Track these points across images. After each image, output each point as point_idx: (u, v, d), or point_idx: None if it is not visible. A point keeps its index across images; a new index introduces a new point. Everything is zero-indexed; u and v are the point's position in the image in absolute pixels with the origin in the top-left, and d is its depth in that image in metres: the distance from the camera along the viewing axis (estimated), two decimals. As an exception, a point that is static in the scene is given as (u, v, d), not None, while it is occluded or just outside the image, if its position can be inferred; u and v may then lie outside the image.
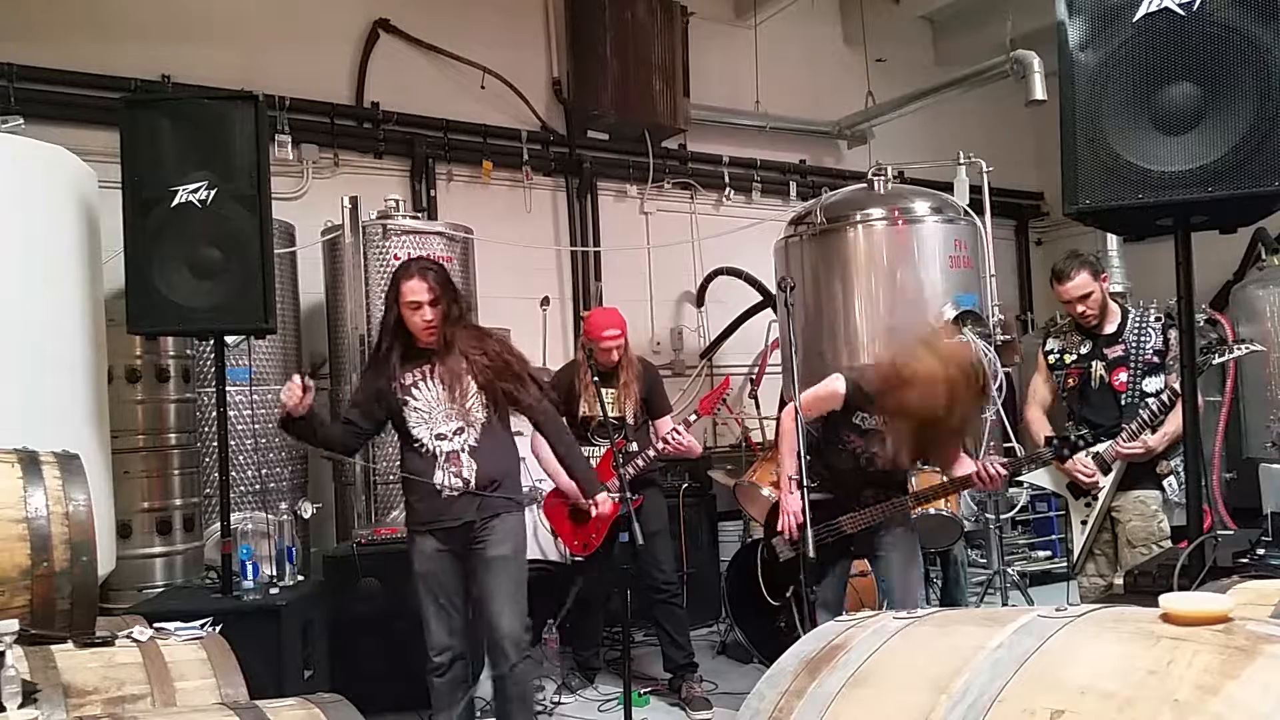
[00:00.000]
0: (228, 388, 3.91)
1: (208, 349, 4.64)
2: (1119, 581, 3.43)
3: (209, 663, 2.39)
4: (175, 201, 3.60)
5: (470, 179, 6.53)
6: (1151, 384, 3.89)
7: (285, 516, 4.27)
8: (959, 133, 7.35)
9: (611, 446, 3.91)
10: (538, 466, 4.33)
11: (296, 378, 3.28)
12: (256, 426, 4.79)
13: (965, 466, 3.51)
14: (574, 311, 6.73)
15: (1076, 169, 2.57)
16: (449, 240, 5.26)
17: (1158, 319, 3.98)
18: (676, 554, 4.96)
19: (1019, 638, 1.28)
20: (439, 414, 3.35)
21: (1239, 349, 3.63)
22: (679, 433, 4.32)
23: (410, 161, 6.31)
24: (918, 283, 5.00)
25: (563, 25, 6.90)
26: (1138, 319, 3.99)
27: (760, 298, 6.95)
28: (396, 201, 5.23)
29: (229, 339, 4.00)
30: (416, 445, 3.37)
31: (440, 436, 3.34)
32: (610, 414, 4.25)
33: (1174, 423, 3.71)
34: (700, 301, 7.34)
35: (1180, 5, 2.42)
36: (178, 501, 4.64)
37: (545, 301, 6.20)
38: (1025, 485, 4.47)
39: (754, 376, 7.22)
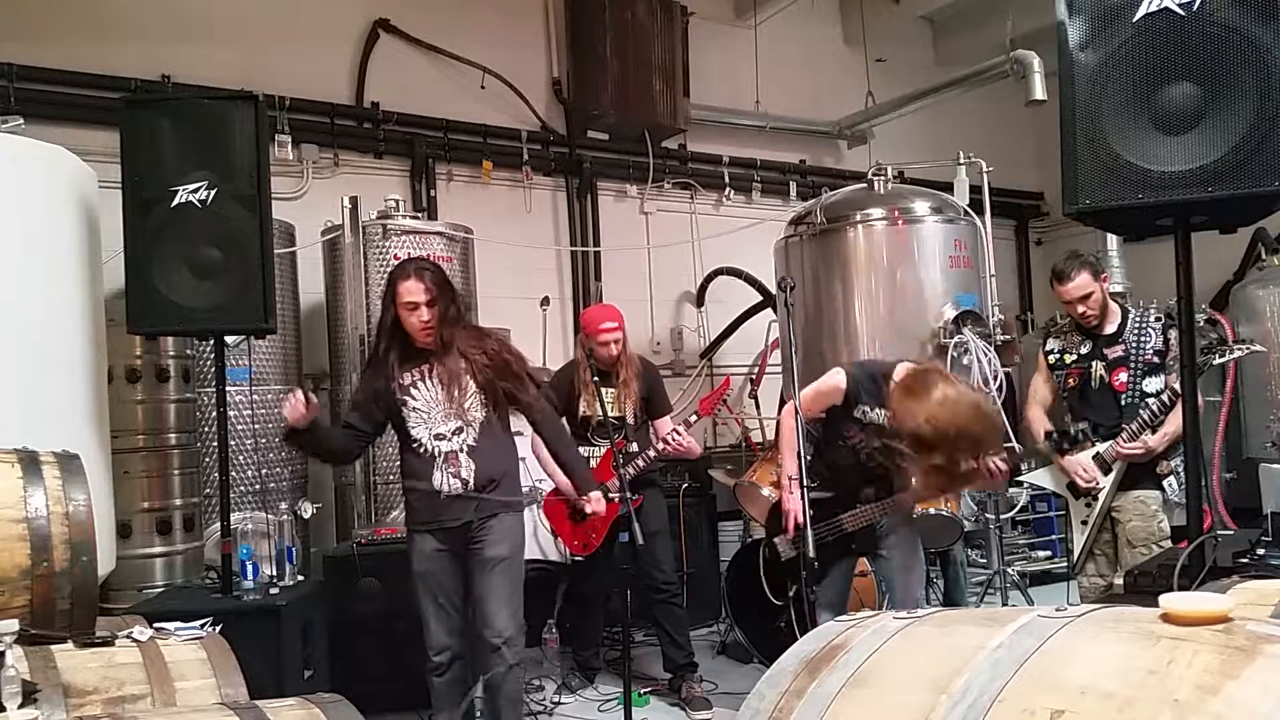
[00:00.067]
0: (228, 388, 3.92)
1: (208, 349, 4.64)
2: (1119, 581, 3.43)
3: (209, 663, 2.39)
4: (175, 201, 3.60)
5: (470, 179, 6.53)
6: (1152, 384, 3.88)
7: (285, 516, 4.27)
8: (959, 133, 7.34)
9: (611, 446, 3.91)
10: (538, 466, 4.32)
11: (299, 392, 3.29)
12: (256, 426, 4.79)
13: None
14: (574, 311, 6.72)
15: (1076, 169, 2.57)
16: (449, 240, 5.26)
17: (1158, 319, 3.98)
18: (676, 554, 4.95)
19: (1019, 638, 1.28)
20: (437, 414, 3.35)
21: (1239, 349, 3.62)
22: (679, 433, 4.31)
23: (410, 161, 6.30)
24: (918, 283, 5.00)
25: (563, 25, 6.90)
26: (1138, 319, 3.99)
27: (760, 298, 6.94)
28: (396, 201, 5.24)
29: (229, 339, 4.00)
30: (415, 445, 3.37)
31: (439, 437, 3.34)
32: (610, 413, 4.25)
33: (1174, 423, 3.71)
34: (700, 301, 7.34)
35: (1180, 5, 2.42)
36: (178, 501, 4.64)
37: (545, 301, 6.20)
38: (1025, 485, 4.46)
39: (754, 377, 7.21)
